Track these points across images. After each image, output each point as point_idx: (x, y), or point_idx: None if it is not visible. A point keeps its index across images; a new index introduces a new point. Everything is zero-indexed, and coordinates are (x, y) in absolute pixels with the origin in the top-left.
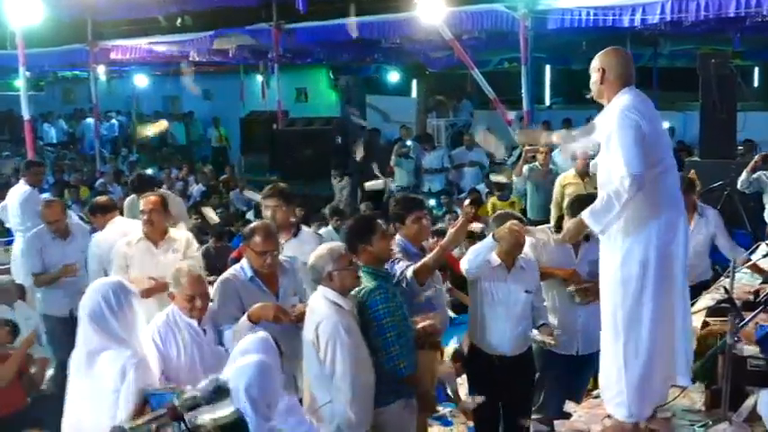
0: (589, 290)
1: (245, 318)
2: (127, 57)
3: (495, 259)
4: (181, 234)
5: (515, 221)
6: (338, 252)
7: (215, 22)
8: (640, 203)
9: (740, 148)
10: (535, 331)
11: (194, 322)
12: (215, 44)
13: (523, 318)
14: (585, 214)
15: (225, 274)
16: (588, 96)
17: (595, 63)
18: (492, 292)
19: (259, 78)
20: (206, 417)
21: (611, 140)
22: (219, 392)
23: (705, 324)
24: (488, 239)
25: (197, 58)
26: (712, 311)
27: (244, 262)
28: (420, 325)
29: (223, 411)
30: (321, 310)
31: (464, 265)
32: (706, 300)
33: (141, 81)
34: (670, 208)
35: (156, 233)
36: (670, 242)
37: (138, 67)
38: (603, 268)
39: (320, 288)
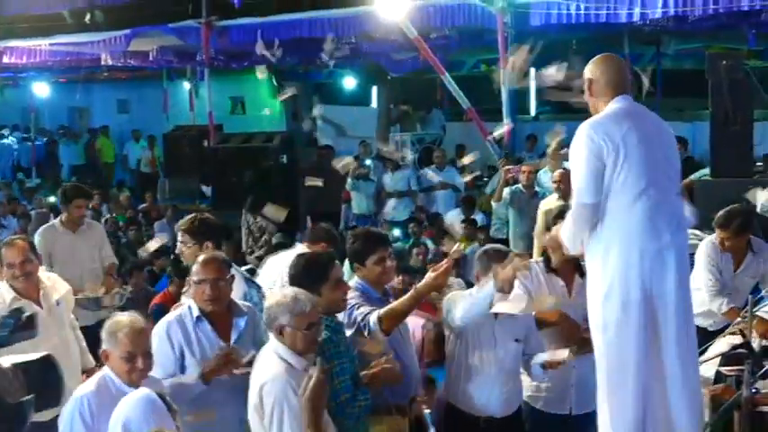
0: (585, 341)
1: (196, 378)
2: (23, 61)
3: None
4: (53, 276)
5: (525, 262)
6: (301, 308)
7: (132, 18)
8: (617, 234)
9: (759, 164)
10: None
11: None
12: (132, 45)
13: (514, 371)
14: (559, 228)
15: (167, 317)
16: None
17: (584, 74)
18: (475, 342)
19: (186, 86)
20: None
21: (571, 158)
22: (20, 321)
23: (718, 375)
24: (489, 288)
25: (110, 62)
26: (727, 359)
27: (190, 301)
28: (371, 371)
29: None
30: (268, 368)
31: (457, 314)
32: (721, 345)
33: (42, 90)
34: (652, 241)
35: (33, 289)
36: (655, 281)
37: (38, 74)
38: (588, 307)
39: (272, 339)
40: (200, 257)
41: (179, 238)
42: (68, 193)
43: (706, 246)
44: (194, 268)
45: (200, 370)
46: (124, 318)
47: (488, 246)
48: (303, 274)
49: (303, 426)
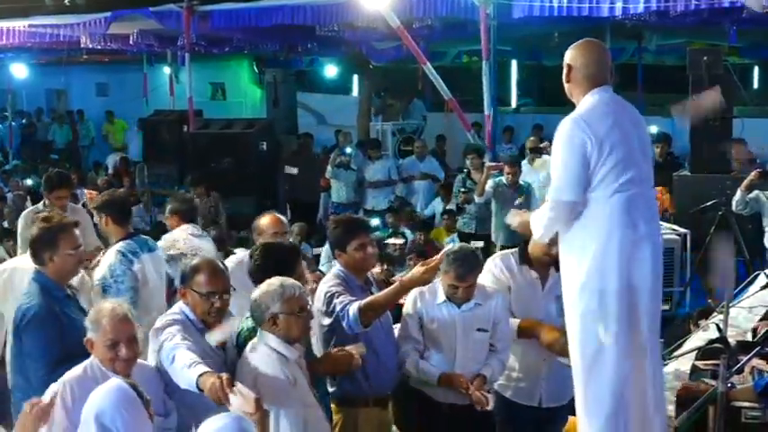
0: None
1: (192, 378)
2: (2, 42)
3: (441, 295)
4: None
5: None
6: (290, 292)
7: (112, 1)
8: (594, 225)
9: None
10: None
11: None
12: (112, 28)
13: (477, 361)
14: (532, 215)
15: (165, 318)
16: None
17: (565, 58)
18: (436, 332)
19: (166, 71)
20: None
21: (553, 151)
22: None
23: (694, 368)
24: (435, 374)
25: (90, 45)
26: (703, 353)
27: (182, 307)
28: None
29: None
30: (259, 360)
31: (408, 366)
32: (696, 340)
33: (19, 72)
34: (629, 232)
35: None
36: (631, 272)
37: (16, 55)
38: (565, 299)
39: (262, 334)
40: (205, 267)
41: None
42: (51, 182)
43: None
44: (200, 279)
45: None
46: (106, 305)
47: (455, 246)
48: (270, 264)
49: None
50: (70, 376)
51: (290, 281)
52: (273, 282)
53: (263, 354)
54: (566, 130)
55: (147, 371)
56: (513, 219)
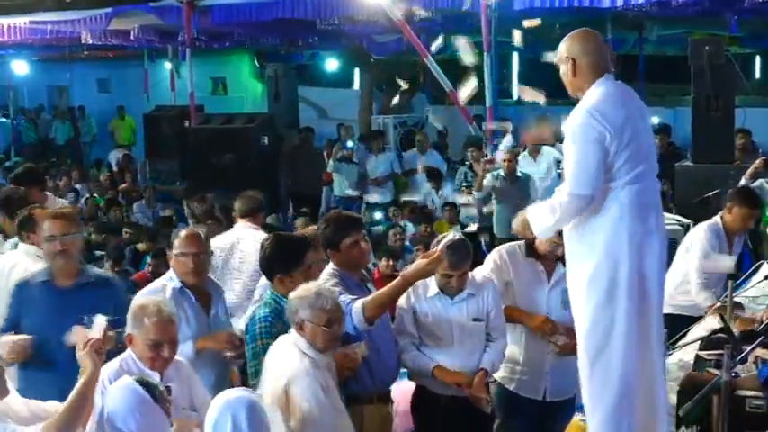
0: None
1: (189, 346)
2: (3, 39)
3: (432, 288)
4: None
5: None
6: (321, 304)
7: None
8: (605, 216)
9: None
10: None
11: (156, 376)
12: (112, 24)
13: (475, 350)
14: (530, 210)
15: (152, 286)
16: None
17: (561, 52)
18: (431, 325)
19: (167, 66)
20: None
21: (567, 143)
22: None
23: (698, 358)
24: (428, 367)
25: (90, 41)
26: (706, 344)
27: (171, 274)
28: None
29: None
30: (292, 363)
31: (404, 360)
32: (700, 330)
33: (21, 68)
34: (639, 224)
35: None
36: (641, 262)
37: (17, 52)
38: (573, 289)
39: (292, 332)
40: (182, 233)
41: None
42: (18, 179)
43: (707, 231)
44: (176, 242)
45: (194, 342)
46: (152, 303)
47: (450, 238)
48: (279, 254)
49: None
50: (107, 370)
51: (328, 290)
52: (311, 287)
53: (295, 356)
54: (581, 123)
55: (182, 366)
56: (515, 221)
